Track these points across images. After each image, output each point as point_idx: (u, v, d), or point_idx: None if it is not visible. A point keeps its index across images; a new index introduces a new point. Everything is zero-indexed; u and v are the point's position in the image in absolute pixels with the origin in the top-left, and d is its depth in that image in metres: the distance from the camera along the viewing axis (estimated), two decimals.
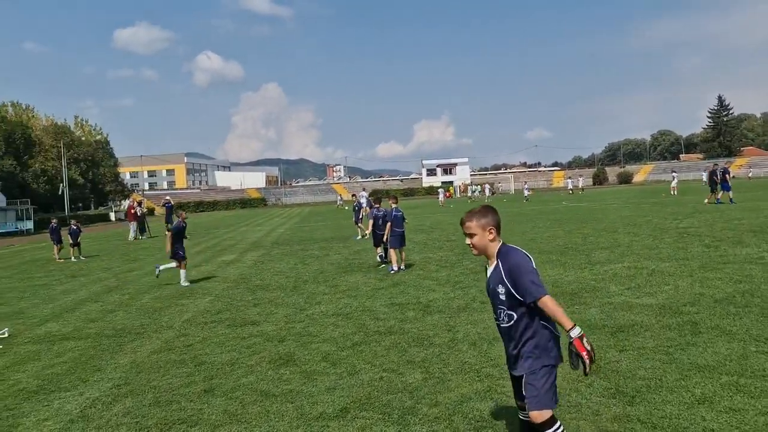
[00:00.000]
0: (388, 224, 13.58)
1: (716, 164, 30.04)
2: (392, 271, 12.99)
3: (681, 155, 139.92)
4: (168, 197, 44.04)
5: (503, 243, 3.64)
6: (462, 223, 3.72)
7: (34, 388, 6.24)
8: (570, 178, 73.48)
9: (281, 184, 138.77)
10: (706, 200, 28.14)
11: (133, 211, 31.02)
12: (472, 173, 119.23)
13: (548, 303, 3.39)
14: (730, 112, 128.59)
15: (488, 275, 3.68)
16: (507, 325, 3.57)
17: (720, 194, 27.29)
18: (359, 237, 22.04)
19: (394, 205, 14.07)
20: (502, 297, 3.54)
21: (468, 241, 3.68)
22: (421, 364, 6.12)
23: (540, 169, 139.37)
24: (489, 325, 7.52)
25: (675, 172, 57.19)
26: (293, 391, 5.54)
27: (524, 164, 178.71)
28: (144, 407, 5.39)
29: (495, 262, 3.59)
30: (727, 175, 27.45)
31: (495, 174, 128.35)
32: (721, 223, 17.60)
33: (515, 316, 3.51)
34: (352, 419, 4.78)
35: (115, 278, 15.22)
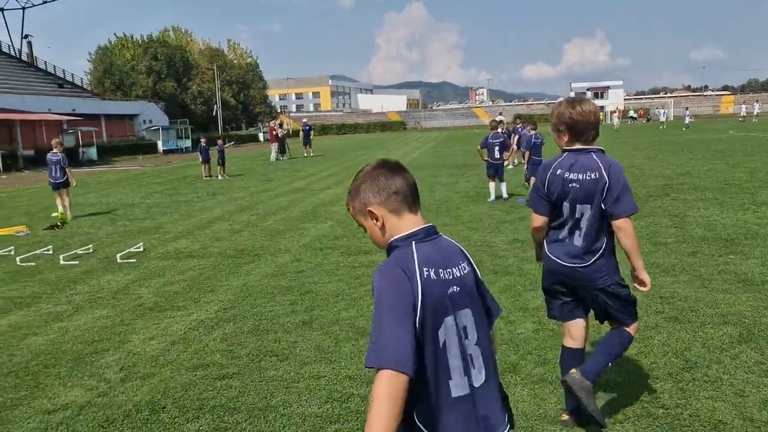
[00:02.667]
0: (512, 149, 12.75)
1: None
2: (520, 201, 12.19)
3: None
4: (305, 119, 45.25)
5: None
6: None
7: (151, 305, 6.48)
8: (744, 103, 65.24)
9: (421, 108, 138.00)
10: None
11: (274, 132, 32.13)
12: (627, 97, 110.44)
13: None
14: None
15: None
16: None
17: None
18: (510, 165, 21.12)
19: (532, 132, 13.11)
20: None
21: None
22: (535, 312, 5.50)
23: (706, 93, 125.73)
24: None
25: None
26: None
27: (688, 87, 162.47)
28: (242, 334, 5.35)
29: None
30: None
31: (652, 99, 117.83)
32: None
33: None
34: None
35: (250, 198, 15.81)
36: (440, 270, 1.74)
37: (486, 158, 12.93)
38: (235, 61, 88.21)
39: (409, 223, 1.82)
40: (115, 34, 78.19)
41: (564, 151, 3.37)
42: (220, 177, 22.70)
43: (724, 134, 34.66)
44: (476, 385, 1.79)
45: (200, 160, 23.81)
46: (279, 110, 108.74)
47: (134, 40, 73.46)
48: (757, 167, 15.97)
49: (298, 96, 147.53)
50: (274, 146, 31.94)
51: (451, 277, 1.77)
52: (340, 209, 12.70)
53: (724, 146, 24.84)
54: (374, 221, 1.84)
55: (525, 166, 13.31)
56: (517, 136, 17.22)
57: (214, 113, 69.94)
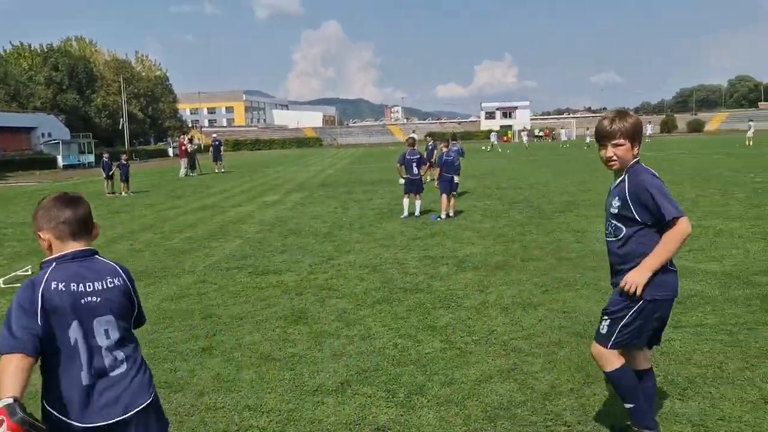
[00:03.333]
0: (426, 167, 12.98)
1: None
2: (433, 219, 12.32)
3: (760, 103, 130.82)
4: (215, 134, 44.18)
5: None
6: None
7: None
8: (649, 123, 69.35)
9: (338, 124, 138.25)
10: None
11: (183, 147, 31.09)
12: (533, 117, 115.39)
13: None
14: None
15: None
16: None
17: None
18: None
19: (445, 149, 13.26)
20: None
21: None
22: (443, 331, 5.47)
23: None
24: (526, 287, 6.79)
25: (752, 120, 53.35)
26: (296, 356, 5.00)
27: (589, 109, 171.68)
28: None
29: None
30: None
31: (557, 119, 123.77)
32: None
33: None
34: (352, 396, 4.20)
35: (155, 215, 15.10)
36: (73, 284, 2.16)
37: (405, 175, 12.99)
38: (144, 74, 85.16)
39: (68, 248, 2.24)
40: (10, 42, 73.38)
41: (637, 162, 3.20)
42: (123, 194, 21.65)
43: None
44: (113, 374, 2.21)
45: (103, 175, 22.65)
46: (190, 125, 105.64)
47: (32, 49, 69.43)
48: None
49: (211, 111, 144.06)
50: (184, 162, 30.88)
51: (89, 290, 2.19)
52: (250, 227, 12.34)
53: None
54: (44, 242, 2.26)
55: (436, 182, 13.43)
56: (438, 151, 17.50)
57: (121, 127, 66.97)
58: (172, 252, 10.00)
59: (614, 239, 3.29)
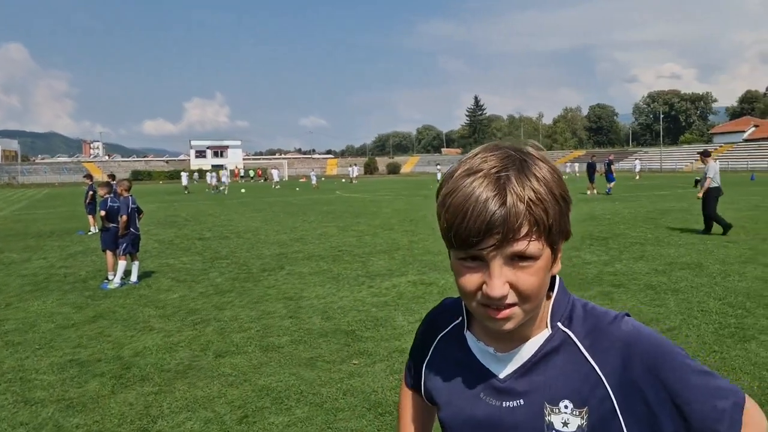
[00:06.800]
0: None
1: (594, 156, 31.84)
2: (104, 287, 9.35)
3: (442, 149, 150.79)
4: None
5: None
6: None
7: None
8: (354, 165, 72.85)
9: (20, 161, 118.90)
10: (588, 192, 28.80)
11: None
12: (246, 157, 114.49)
13: None
14: (484, 112, 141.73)
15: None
16: None
17: (611, 184, 28.79)
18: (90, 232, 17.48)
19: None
20: None
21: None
22: None
23: (314, 156, 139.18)
24: (218, 411, 4.51)
25: (439, 165, 59.81)
26: None
27: (299, 150, 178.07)
28: None
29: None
30: (612, 167, 29.32)
31: (269, 159, 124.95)
32: None
33: None
34: None
35: None
36: None
37: (129, 229, 9.83)
38: None
39: None
40: None
41: None
42: None
43: (333, 194, 37.14)
44: None
45: None
46: None
47: None
48: (364, 230, 16.20)
49: None
50: None
51: None
52: None
53: (333, 207, 25.87)
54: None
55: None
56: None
57: None
58: None
59: None
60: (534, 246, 0.95)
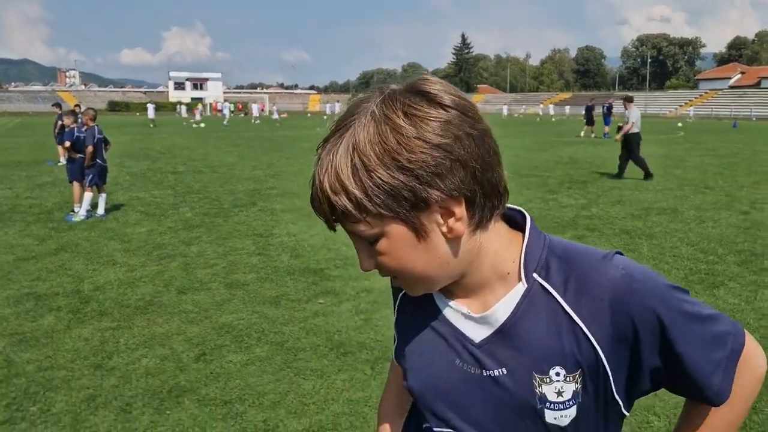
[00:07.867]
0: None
1: (593, 99, 31.91)
2: (69, 219, 9.10)
3: None
4: None
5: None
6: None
7: None
8: (328, 102, 71.75)
9: None
10: (581, 133, 29.29)
11: None
12: (226, 90, 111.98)
13: None
14: (471, 51, 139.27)
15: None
16: None
17: (607, 128, 28.42)
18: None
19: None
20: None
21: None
22: None
23: (296, 91, 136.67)
24: (176, 348, 4.39)
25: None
26: None
27: (281, 85, 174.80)
28: None
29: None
30: (612, 110, 29.16)
31: (250, 93, 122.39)
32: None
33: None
34: None
35: None
36: None
37: (96, 160, 9.54)
38: None
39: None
40: None
41: None
42: None
43: (312, 131, 36.54)
44: None
45: None
46: None
47: None
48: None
49: None
50: None
51: None
52: None
53: (311, 144, 25.40)
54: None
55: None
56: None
57: None
58: None
59: None
60: (364, 226, 0.82)
